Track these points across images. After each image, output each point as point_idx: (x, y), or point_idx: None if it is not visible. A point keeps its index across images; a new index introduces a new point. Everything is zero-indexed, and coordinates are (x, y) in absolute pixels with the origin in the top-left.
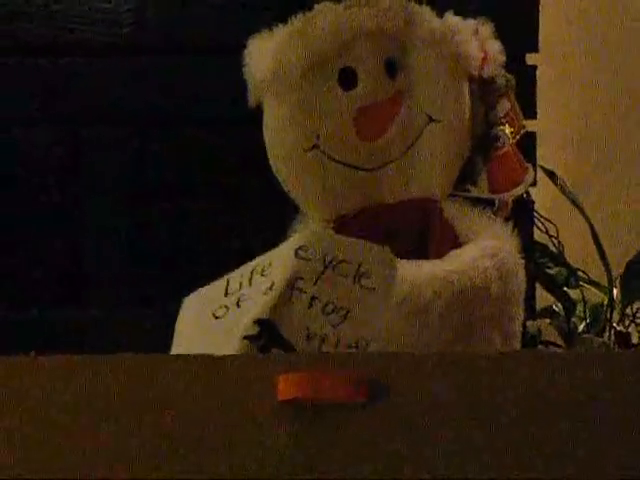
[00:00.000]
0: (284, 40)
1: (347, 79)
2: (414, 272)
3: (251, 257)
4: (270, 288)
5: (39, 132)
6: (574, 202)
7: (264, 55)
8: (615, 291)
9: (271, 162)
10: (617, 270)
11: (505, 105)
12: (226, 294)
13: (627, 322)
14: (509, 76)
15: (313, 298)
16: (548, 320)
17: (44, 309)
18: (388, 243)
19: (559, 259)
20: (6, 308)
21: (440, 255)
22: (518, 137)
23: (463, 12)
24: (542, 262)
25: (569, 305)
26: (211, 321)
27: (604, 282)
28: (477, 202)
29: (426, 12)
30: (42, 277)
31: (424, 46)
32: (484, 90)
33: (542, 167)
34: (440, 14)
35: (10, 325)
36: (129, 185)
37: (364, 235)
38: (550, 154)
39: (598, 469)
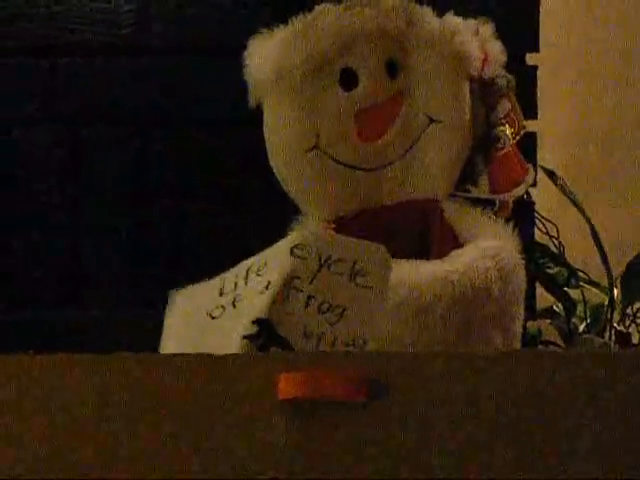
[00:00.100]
0: (285, 41)
1: (348, 80)
2: (414, 273)
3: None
4: (267, 287)
5: (39, 132)
6: (574, 202)
7: (265, 56)
8: (616, 291)
9: (271, 163)
10: (617, 270)
11: (505, 105)
12: (221, 294)
13: (628, 322)
14: (509, 76)
15: (309, 297)
16: (548, 320)
17: (44, 309)
18: (388, 244)
19: (559, 259)
20: (6, 308)
21: (440, 256)
22: (518, 137)
23: (463, 12)
24: (542, 262)
25: (569, 305)
26: (207, 321)
27: (604, 282)
28: (478, 202)
29: (426, 13)
30: (42, 277)
31: (425, 47)
32: (484, 90)
33: (542, 167)
34: (440, 14)
35: (9, 325)
36: (129, 185)
37: (364, 236)
38: (551, 154)
39: (598, 469)
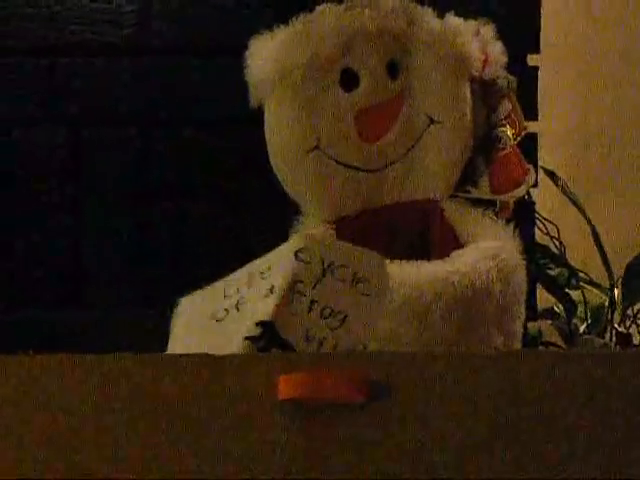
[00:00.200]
0: (286, 41)
1: (349, 80)
2: (415, 273)
3: (252, 258)
4: (271, 291)
5: (40, 132)
6: (575, 203)
7: (266, 56)
8: (616, 292)
9: (272, 163)
10: (618, 271)
11: (506, 106)
12: (225, 296)
13: (628, 323)
14: (510, 77)
15: (312, 302)
16: (549, 321)
17: (44, 309)
18: (389, 244)
19: (560, 260)
20: (6, 308)
21: (441, 256)
22: (519, 138)
23: (464, 13)
24: (543, 263)
25: (570, 306)
26: (211, 324)
27: (605, 283)
28: (478, 203)
29: (427, 13)
30: (42, 277)
31: (425, 47)
32: (485, 91)
33: (543, 168)
34: (441, 15)
35: (10, 325)
36: (130, 186)
37: (365, 236)
38: (551, 155)
39: (597, 469)
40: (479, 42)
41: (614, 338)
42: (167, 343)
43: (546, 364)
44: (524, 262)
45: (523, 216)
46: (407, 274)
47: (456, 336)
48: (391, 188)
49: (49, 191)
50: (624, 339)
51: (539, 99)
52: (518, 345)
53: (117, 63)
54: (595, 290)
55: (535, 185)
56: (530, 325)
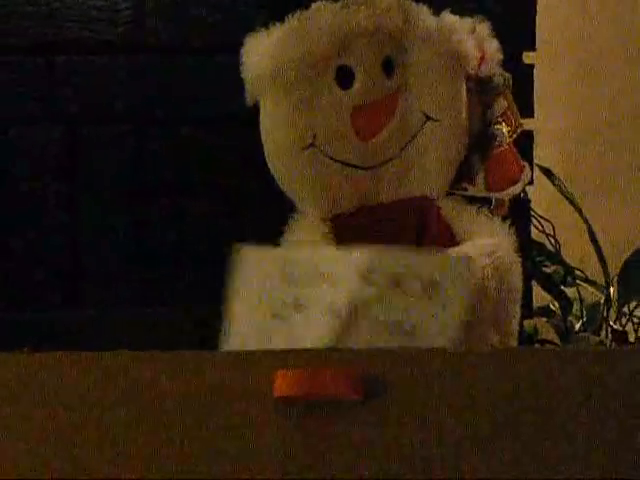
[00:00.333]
0: (281, 39)
1: (344, 78)
2: None
3: None
4: (334, 309)
5: (36, 130)
6: (571, 201)
7: (261, 54)
8: (612, 289)
9: (268, 161)
10: (614, 269)
11: (502, 104)
12: (288, 282)
13: (624, 320)
14: (506, 75)
15: (378, 319)
16: (545, 319)
17: (42, 308)
18: (385, 241)
19: (556, 258)
20: (3, 307)
21: None
22: (515, 136)
23: (460, 11)
24: (539, 260)
25: (566, 304)
26: (272, 321)
27: (601, 281)
28: (474, 200)
29: (423, 11)
30: (39, 275)
31: (421, 45)
32: (481, 89)
33: (539, 166)
34: (437, 13)
35: (7, 324)
36: (127, 184)
37: (361, 234)
38: (547, 153)
39: (594, 466)
40: (475, 40)
41: (610, 336)
42: (166, 342)
43: (542, 361)
44: (520, 260)
45: (519, 214)
46: None
47: None
48: (387, 185)
49: (46, 189)
50: (620, 337)
51: (535, 97)
52: (514, 343)
53: (113, 61)
54: (591, 288)
55: (531, 183)
56: (526, 323)
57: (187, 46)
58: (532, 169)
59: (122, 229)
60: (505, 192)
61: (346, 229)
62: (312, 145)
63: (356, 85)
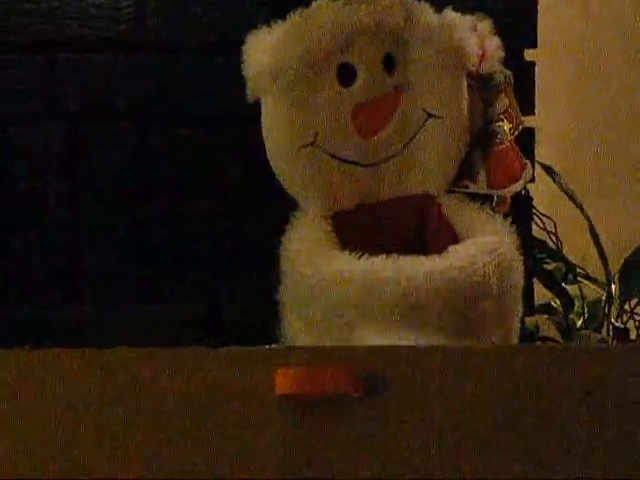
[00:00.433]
0: (282, 36)
1: (346, 75)
2: (412, 268)
3: (250, 254)
4: None
5: (37, 128)
6: (572, 198)
7: (262, 51)
8: (613, 287)
9: (269, 158)
10: (615, 266)
11: (503, 101)
12: None
13: (625, 318)
14: (507, 72)
15: None
16: (546, 316)
17: (42, 306)
18: (386, 239)
19: (557, 255)
20: (3, 305)
21: (438, 251)
22: (516, 133)
23: (462, 8)
24: (540, 258)
25: (567, 301)
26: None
27: (602, 278)
28: (475, 198)
29: (425, 8)
30: (39, 274)
31: (423, 42)
32: (483, 86)
33: (540, 163)
34: (439, 10)
35: (7, 322)
36: (128, 182)
37: (362, 231)
38: (548, 150)
39: (594, 463)
40: (476, 37)
41: (611, 333)
42: (166, 340)
43: (543, 359)
44: (521, 257)
45: (520, 211)
46: (404, 269)
47: (453, 331)
48: (388, 183)
49: (46, 186)
50: (621, 334)
51: (536, 94)
52: (515, 340)
53: (114, 59)
54: (592, 285)
55: (532, 180)
56: (527, 320)
57: (188, 44)
58: (533, 166)
59: (123, 226)
60: (506, 189)
61: (347, 227)
62: (313, 143)
63: (357, 82)
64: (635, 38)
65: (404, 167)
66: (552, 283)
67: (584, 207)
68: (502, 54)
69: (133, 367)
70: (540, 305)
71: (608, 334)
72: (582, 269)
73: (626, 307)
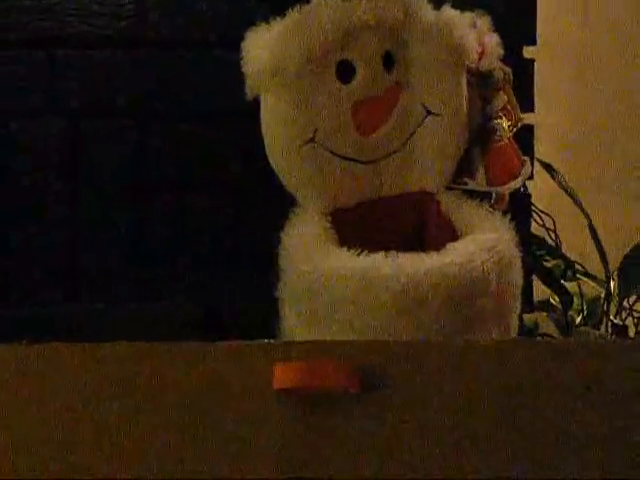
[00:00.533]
0: (282, 33)
1: (345, 72)
2: (411, 265)
3: (251, 252)
4: None
5: (38, 125)
6: (571, 195)
7: (262, 48)
8: (612, 284)
9: (269, 155)
10: (614, 263)
11: (502, 98)
12: None
13: (624, 315)
14: (507, 69)
15: None
16: (545, 313)
17: (42, 304)
18: (385, 236)
19: (556, 252)
20: (3, 303)
21: (437, 248)
22: (515, 130)
23: (461, 5)
24: (539, 255)
25: (566, 298)
26: None
27: (601, 275)
28: (474, 195)
29: (424, 5)
30: (40, 271)
31: (422, 39)
32: (482, 83)
33: (539, 160)
34: (438, 7)
35: (7, 320)
36: (128, 177)
37: (361, 228)
38: (547, 148)
39: (593, 460)
40: (475, 34)
41: (610, 330)
42: (165, 338)
43: (542, 353)
44: (520, 254)
45: (519, 208)
46: (403, 266)
47: (452, 327)
48: (387, 180)
49: (47, 184)
50: (620, 331)
51: (535, 91)
52: (514, 336)
53: (115, 55)
54: (591, 282)
55: (531, 177)
56: (526, 317)
57: (188, 40)
58: (532, 163)
59: (123, 223)
60: (505, 186)
61: (346, 223)
62: (312, 140)
63: (357, 79)
64: (634, 36)
65: (403, 164)
66: (551, 280)
67: (583, 204)
68: (501, 51)
69: (132, 361)
70: (539, 302)
71: (607, 331)
72: (581, 266)
73: (625, 304)
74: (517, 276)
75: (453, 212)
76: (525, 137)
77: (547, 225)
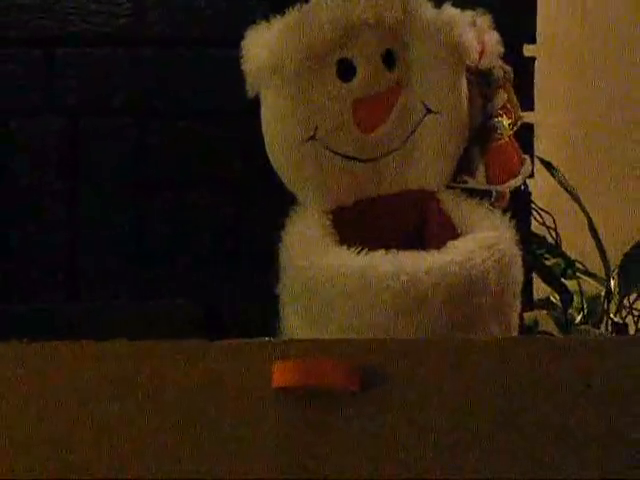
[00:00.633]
0: (282, 31)
1: (345, 70)
2: (411, 263)
3: (251, 250)
4: None
5: (36, 123)
6: (571, 193)
7: (262, 46)
8: (612, 282)
9: (268, 153)
10: (614, 261)
11: (503, 96)
12: None
13: (624, 313)
14: (507, 67)
15: None
16: (545, 311)
17: (41, 303)
18: (385, 234)
19: (556, 250)
20: (2, 301)
21: (437, 246)
22: (515, 128)
23: (461, 3)
24: (539, 253)
25: (566, 296)
26: None
27: (601, 273)
28: (474, 193)
29: (424, 3)
30: (39, 270)
31: (422, 37)
32: (482, 81)
33: (539, 158)
34: (438, 5)
35: (6, 319)
36: (127, 176)
37: (361, 226)
38: (547, 146)
39: (593, 459)
40: (475, 32)
41: (610, 328)
42: (165, 337)
43: (542, 351)
44: (520, 252)
45: (519, 206)
46: (403, 264)
47: (452, 325)
48: (388, 178)
49: (46, 182)
50: (620, 329)
51: (535, 90)
52: (514, 335)
53: (114, 53)
54: (591, 280)
55: (531, 175)
56: (526, 315)
57: (187, 39)
58: (532, 162)
59: (123, 222)
60: (505, 185)
61: (346, 222)
62: (313, 138)
63: (357, 78)
64: (634, 34)
65: (403, 162)
66: (551, 278)
67: (583, 202)
68: (501, 49)
69: (131, 360)
70: (539, 300)
71: (607, 329)
72: (581, 264)
73: (625, 302)
74: (517, 274)
75: (453, 210)
76: (525, 135)
77: (547, 223)
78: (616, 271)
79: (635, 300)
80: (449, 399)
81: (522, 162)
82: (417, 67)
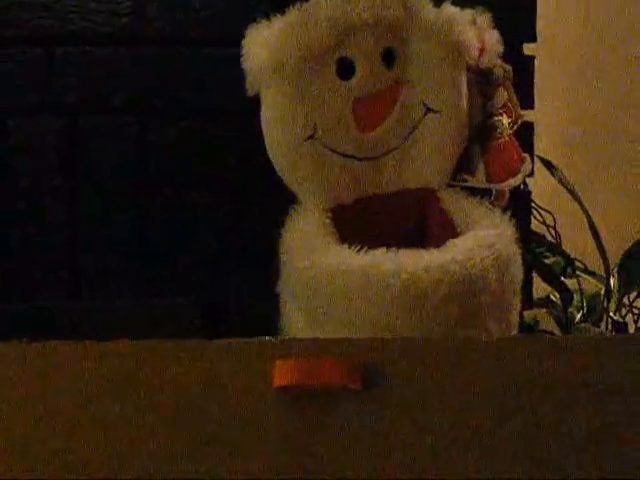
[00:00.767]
0: (282, 30)
1: (345, 69)
2: (412, 261)
3: (251, 249)
4: None
5: (37, 122)
6: (571, 192)
7: (262, 45)
8: (612, 281)
9: (269, 152)
10: (614, 260)
11: (503, 95)
12: None
13: (624, 312)
14: (507, 66)
15: None
16: (545, 310)
17: (41, 302)
18: (385, 232)
19: (556, 249)
20: (3, 300)
21: (437, 245)
22: (515, 127)
23: (461, 2)
24: (539, 252)
25: (566, 295)
26: None
27: (601, 272)
28: (474, 192)
29: (424, 2)
30: (40, 269)
31: (422, 36)
32: (482, 80)
33: (539, 157)
34: (438, 4)
35: (6, 318)
36: (128, 175)
37: (361, 225)
38: (547, 145)
39: (593, 456)
40: (475, 31)
41: (610, 327)
42: (165, 335)
43: (542, 349)
44: (520, 251)
45: (519, 205)
46: (404, 262)
47: (452, 324)
48: (387, 177)
49: (46, 181)
50: (620, 328)
51: (535, 88)
52: (514, 333)
53: (114, 52)
54: (591, 279)
55: (531, 174)
56: (526, 314)
57: (188, 38)
58: (532, 161)
59: (124, 220)
60: (505, 183)
61: (346, 220)
62: (312, 136)
63: (357, 76)
64: (634, 33)
65: (403, 161)
66: (551, 277)
67: (583, 201)
68: (501, 48)
69: (132, 359)
70: (539, 299)
71: (607, 328)
72: (581, 263)
73: (625, 301)
74: (517, 273)
75: (453, 209)
76: (525, 134)
77: (547, 222)
78: (616, 269)
79: (635, 299)
80: (449, 398)
81: (522, 161)
82: (417, 66)
